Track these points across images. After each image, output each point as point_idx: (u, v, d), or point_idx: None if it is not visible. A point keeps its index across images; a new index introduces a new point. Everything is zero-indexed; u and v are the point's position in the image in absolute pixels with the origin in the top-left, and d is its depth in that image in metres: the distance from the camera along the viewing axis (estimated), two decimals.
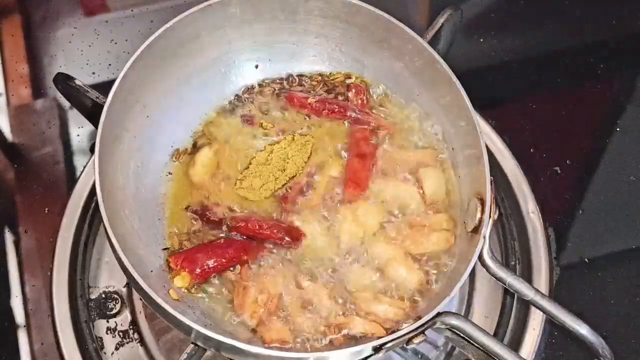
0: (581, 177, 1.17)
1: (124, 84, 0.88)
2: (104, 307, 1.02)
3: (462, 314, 0.98)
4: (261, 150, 0.97)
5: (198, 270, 0.86)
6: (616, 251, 1.11)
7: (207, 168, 0.95)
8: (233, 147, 0.98)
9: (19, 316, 1.02)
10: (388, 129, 0.99)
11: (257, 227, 0.90)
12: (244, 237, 0.90)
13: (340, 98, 1.01)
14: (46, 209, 1.09)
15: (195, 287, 0.87)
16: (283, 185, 0.95)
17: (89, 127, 1.12)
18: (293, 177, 0.95)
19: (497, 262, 0.84)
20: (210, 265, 0.87)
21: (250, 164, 0.96)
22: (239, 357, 0.80)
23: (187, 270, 0.86)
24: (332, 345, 0.84)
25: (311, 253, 0.90)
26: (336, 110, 0.99)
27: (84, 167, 1.09)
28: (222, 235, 0.91)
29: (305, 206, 0.93)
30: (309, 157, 0.97)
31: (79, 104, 0.95)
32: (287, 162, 0.96)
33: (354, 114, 0.99)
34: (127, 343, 1.00)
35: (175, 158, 0.96)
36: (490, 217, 0.84)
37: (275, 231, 0.90)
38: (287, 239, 0.89)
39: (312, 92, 1.02)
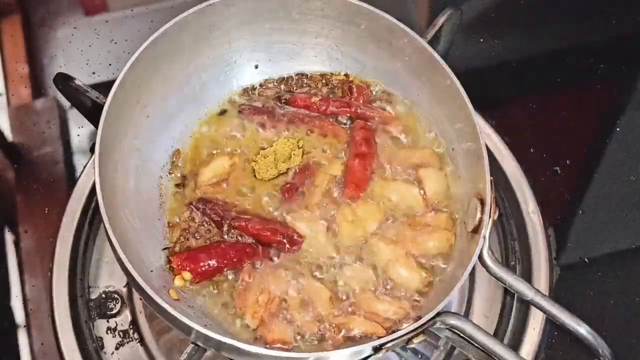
0: (581, 177, 1.17)
1: (124, 84, 0.88)
2: (104, 307, 1.02)
3: (462, 314, 0.98)
4: (263, 149, 0.98)
5: (199, 270, 0.86)
6: (616, 251, 1.11)
7: (216, 175, 0.95)
8: (235, 148, 0.98)
9: (19, 316, 1.02)
10: (392, 122, 0.99)
11: (257, 228, 0.90)
12: (245, 238, 0.90)
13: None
14: (46, 209, 1.09)
15: (196, 287, 0.87)
16: (281, 174, 0.95)
17: (89, 127, 1.12)
18: (296, 164, 0.96)
19: (497, 262, 0.84)
20: (212, 266, 0.87)
21: (256, 155, 0.97)
22: (239, 357, 0.80)
23: (188, 269, 0.86)
24: (332, 345, 0.85)
25: (312, 253, 0.90)
26: (340, 106, 0.99)
27: (84, 167, 1.09)
28: (223, 236, 0.91)
29: (306, 206, 0.93)
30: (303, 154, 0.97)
31: (79, 104, 0.96)
32: (294, 153, 0.96)
33: (358, 110, 0.99)
34: (127, 343, 1.00)
35: (175, 158, 0.96)
36: (490, 217, 0.84)
37: (274, 234, 0.90)
38: (285, 242, 0.89)
39: (312, 91, 1.02)
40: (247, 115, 0.99)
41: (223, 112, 1.01)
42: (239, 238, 0.91)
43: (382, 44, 0.98)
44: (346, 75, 1.03)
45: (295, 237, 0.90)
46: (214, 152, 0.97)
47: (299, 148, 0.97)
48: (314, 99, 1.00)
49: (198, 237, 0.91)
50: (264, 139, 0.99)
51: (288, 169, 0.96)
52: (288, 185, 0.94)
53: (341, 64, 1.03)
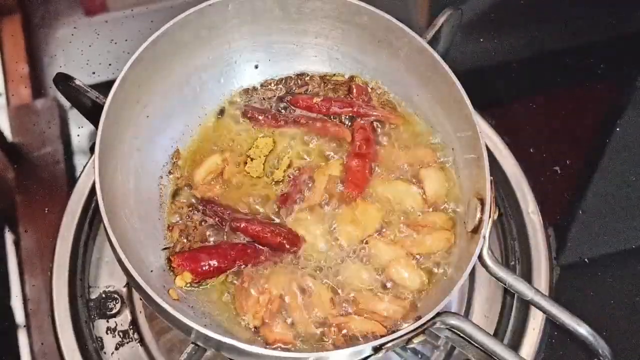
0: (581, 177, 1.17)
1: (124, 84, 0.88)
2: (104, 307, 1.02)
3: (462, 314, 0.98)
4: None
5: (200, 270, 0.86)
6: (616, 251, 1.11)
7: (211, 173, 0.95)
8: (233, 147, 0.98)
9: (19, 316, 1.02)
10: (392, 122, 0.99)
11: (257, 230, 0.90)
12: (246, 239, 0.90)
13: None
14: (46, 209, 1.09)
15: (196, 286, 0.87)
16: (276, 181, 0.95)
17: (89, 127, 1.13)
18: (287, 167, 0.96)
19: (497, 262, 0.84)
20: (213, 266, 0.87)
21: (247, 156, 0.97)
22: (239, 357, 0.80)
23: (189, 269, 0.86)
24: (332, 345, 0.85)
25: (312, 253, 0.90)
26: (342, 107, 0.99)
27: (84, 167, 1.09)
28: (223, 236, 0.91)
29: (306, 206, 0.93)
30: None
31: (79, 104, 0.96)
32: (284, 155, 0.96)
33: (360, 110, 0.99)
34: (127, 343, 1.00)
35: (175, 158, 0.97)
36: (490, 217, 0.84)
37: (275, 236, 0.90)
38: (286, 243, 0.89)
39: (314, 91, 1.02)
40: (251, 117, 0.99)
41: (221, 112, 1.01)
42: (236, 239, 0.91)
43: (382, 44, 0.98)
44: (351, 77, 1.03)
45: (295, 239, 0.90)
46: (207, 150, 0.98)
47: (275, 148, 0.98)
48: (316, 100, 1.00)
49: (198, 238, 0.91)
50: (260, 138, 0.99)
51: (284, 176, 0.96)
52: (284, 195, 0.94)
53: (341, 64, 1.03)
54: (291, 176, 0.96)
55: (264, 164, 0.96)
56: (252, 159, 0.97)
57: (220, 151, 0.97)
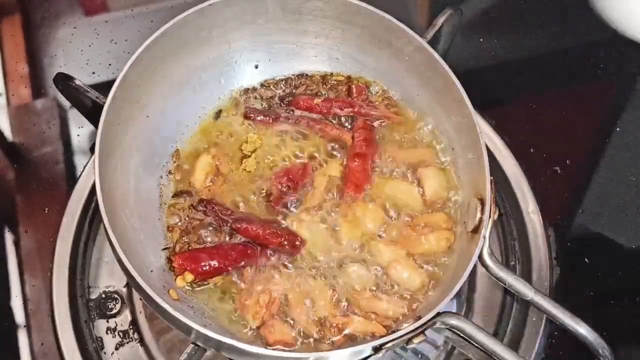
0: (581, 177, 1.17)
1: (124, 84, 0.88)
2: (104, 307, 1.02)
3: (462, 314, 0.98)
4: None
5: (200, 270, 0.86)
6: (616, 251, 1.11)
7: (207, 173, 0.95)
8: (232, 148, 0.98)
9: (19, 316, 1.02)
10: (392, 122, 0.99)
11: (258, 231, 0.90)
12: (246, 240, 0.90)
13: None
14: (46, 209, 1.09)
15: (197, 287, 0.87)
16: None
17: (89, 127, 1.12)
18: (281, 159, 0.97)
19: (497, 262, 0.84)
20: (213, 266, 0.87)
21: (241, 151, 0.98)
22: (239, 357, 0.80)
23: (189, 269, 0.86)
24: (332, 345, 0.85)
25: (312, 254, 0.90)
26: (343, 107, 0.99)
27: (84, 167, 1.09)
28: (223, 237, 0.91)
29: (306, 207, 0.93)
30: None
31: (79, 104, 0.96)
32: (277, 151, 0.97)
33: (362, 110, 0.99)
34: (127, 343, 1.00)
35: (175, 158, 0.97)
36: (490, 217, 0.84)
37: (275, 237, 0.89)
38: (286, 245, 0.89)
39: (314, 91, 1.02)
40: (252, 118, 0.99)
41: (218, 113, 1.01)
42: (237, 239, 0.91)
43: (382, 44, 0.98)
44: (349, 77, 1.03)
45: (295, 240, 0.90)
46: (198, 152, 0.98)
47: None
48: (317, 101, 1.00)
49: (198, 238, 0.91)
50: (251, 135, 0.99)
51: (273, 165, 0.96)
52: (276, 196, 0.94)
53: (341, 64, 1.03)
54: (285, 161, 0.96)
55: (256, 159, 0.97)
56: (246, 156, 0.97)
57: (207, 150, 0.97)
